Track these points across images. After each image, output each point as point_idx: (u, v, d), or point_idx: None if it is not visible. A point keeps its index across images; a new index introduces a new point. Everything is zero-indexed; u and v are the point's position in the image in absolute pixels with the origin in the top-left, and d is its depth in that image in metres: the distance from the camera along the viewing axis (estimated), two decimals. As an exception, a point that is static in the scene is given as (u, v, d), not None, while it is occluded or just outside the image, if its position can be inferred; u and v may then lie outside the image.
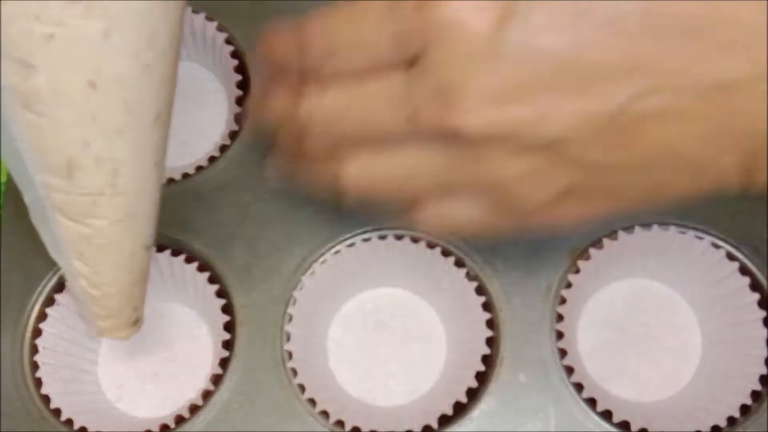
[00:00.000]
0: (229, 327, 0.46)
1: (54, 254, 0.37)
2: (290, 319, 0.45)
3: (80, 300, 0.39)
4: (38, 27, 0.27)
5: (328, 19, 0.32)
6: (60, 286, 0.47)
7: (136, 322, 0.41)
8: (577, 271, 0.46)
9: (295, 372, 0.44)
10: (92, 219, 0.33)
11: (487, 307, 0.45)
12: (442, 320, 0.49)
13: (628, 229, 0.46)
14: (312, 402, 0.44)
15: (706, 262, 0.46)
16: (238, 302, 0.46)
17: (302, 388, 0.44)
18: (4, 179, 0.51)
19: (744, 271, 0.45)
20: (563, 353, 0.44)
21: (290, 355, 0.45)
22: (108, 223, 0.34)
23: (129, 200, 0.34)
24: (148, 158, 0.34)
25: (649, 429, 0.42)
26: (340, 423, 0.43)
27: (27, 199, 0.35)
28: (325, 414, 0.43)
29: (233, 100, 0.51)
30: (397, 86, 0.31)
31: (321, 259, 0.46)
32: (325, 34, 0.32)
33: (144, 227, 0.36)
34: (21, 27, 0.27)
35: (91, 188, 0.32)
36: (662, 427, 0.43)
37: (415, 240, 0.46)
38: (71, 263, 0.36)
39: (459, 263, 0.46)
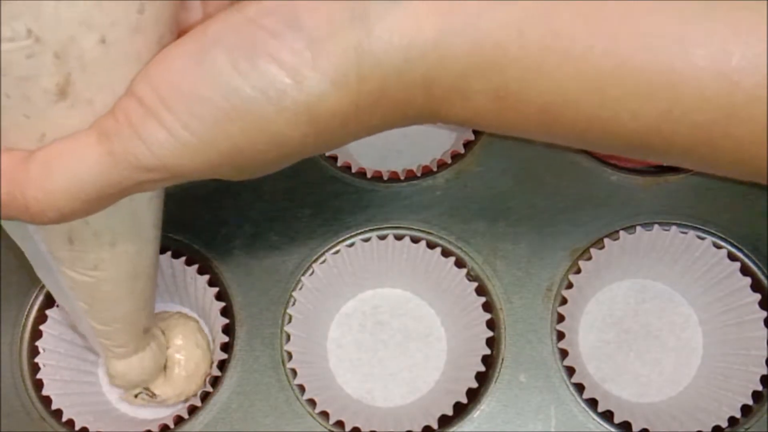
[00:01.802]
0: (227, 330, 0.46)
1: (58, 298, 0.38)
2: (290, 320, 0.45)
3: (87, 335, 0.40)
4: None
5: None
6: (59, 287, 0.47)
7: (140, 343, 0.41)
8: (578, 271, 0.46)
9: (294, 372, 0.44)
10: (95, 272, 0.33)
11: (487, 307, 0.45)
12: (442, 320, 0.48)
13: (629, 229, 0.46)
14: (312, 402, 0.44)
15: (707, 262, 0.46)
16: (237, 303, 0.46)
17: (302, 388, 0.44)
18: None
19: (745, 271, 0.45)
20: (564, 354, 0.44)
21: (290, 355, 0.45)
22: (111, 274, 0.34)
23: (130, 257, 0.34)
24: (146, 224, 0.34)
25: (651, 429, 0.42)
26: (340, 423, 0.43)
27: (28, 252, 0.35)
28: (324, 414, 0.43)
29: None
30: None
31: (321, 259, 0.46)
32: None
33: (147, 267, 0.36)
34: None
35: (91, 253, 0.33)
36: (663, 427, 0.43)
37: (415, 240, 0.46)
38: (76, 304, 0.36)
39: (459, 263, 0.46)
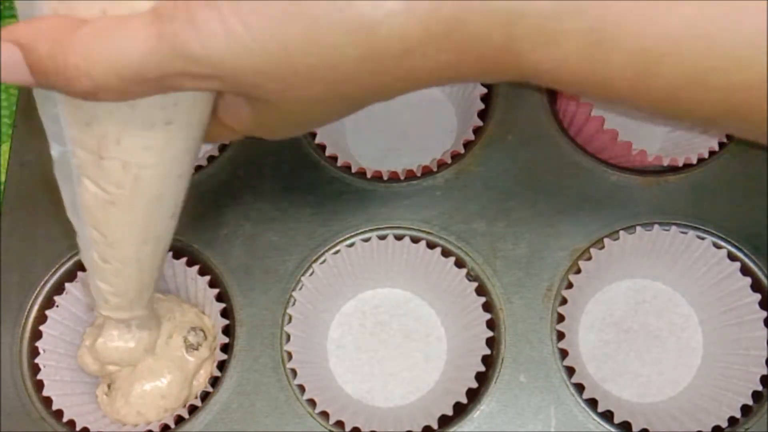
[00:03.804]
0: (227, 331, 0.46)
1: (71, 216, 0.36)
2: (290, 320, 0.45)
3: (89, 271, 0.39)
4: None
5: None
6: (60, 288, 0.47)
7: (137, 309, 0.40)
8: (578, 271, 0.46)
9: (294, 372, 0.44)
10: (115, 188, 0.33)
11: (487, 307, 0.45)
12: (442, 320, 0.48)
13: (629, 229, 0.46)
14: (312, 402, 0.44)
15: (707, 262, 0.46)
16: (237, 303, 0.46)
17: (302, 388, 0.44)
18: (3, 179, 0.51)
19: (745, 271, 0.45)
20: (564, 354, 0.44)
21: (290, 355, 0.45)
22: (128, 197, 0.33)
23: (151, 183, 0.33)
24: (177, 157, 0.33)
25: (651, 429, 0.42)
26: (339, 423, 0.43)
27: (54, 152, 0.33)
28: (324, 414, 0.43)
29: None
30: None
31: (321, 260, 0.46)
32: None
33: (167, 206, 0.35)
34: None
35: (115, 176, 0.32)
36: (663, 427, 0.43)
37: (415, 240, 0.46)
38: (86, 229, 0.35)
39: (459, 263, 0.46)
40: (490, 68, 0.25)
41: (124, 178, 0.32)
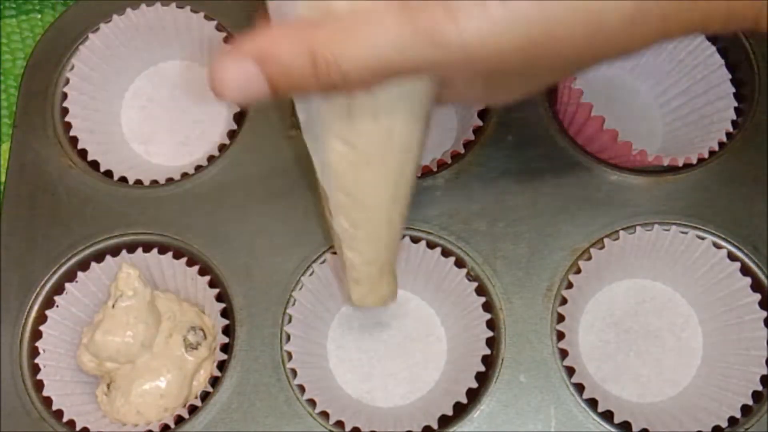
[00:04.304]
0: (227, 331, 0.46)
1: (323, 181, 0.35)
2: (290, 320, 0.45)
3: (340, 242, 0.38)
4: None
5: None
6: (60, 288, 0.47)
7: (385, 280, 0.40)
8: (578, 271, 0.46)
9: (294, 372, 0.44)
10: (366, 143, 0.32)
11: (487, 307, 0.45)
12: (442, 320, 0.48)
13: (629, 229, 0.46)
14: (312, 402, 0.44)
15: (707, 262, 0.46)
16: (237, 303, 0.46)
17: (302, 388, 0.44)
18: (3, 179, 0.51)
19: (745, 271, 0.45)
20: (564, 354, 0.44)
21: (290, 355, 0.45)
22: (382, 148, 0.32)
23: (398, 145, 0.32)
24: (422, 117, 0.32)
25: (651, 429, 0.42)
26: (340, 423, 0.43)
27: (301, 115, 0.33)
28: (325, 415, 0.43)
29: (233, 99, 0.51)
30: None
31: (321, 260, 0.46)
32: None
33: (414, 159, 0.34)
34: None
35: (366, 130, 0.31)
36: (663, 427, 0.43)
37: (415, 240, 0.46)
38: (336, 194, 0.34)
39: (459, 263, 0.46)
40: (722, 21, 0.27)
41: (375, 132, 0.31)
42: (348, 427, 0.43)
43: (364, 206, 0.35)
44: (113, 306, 0.44)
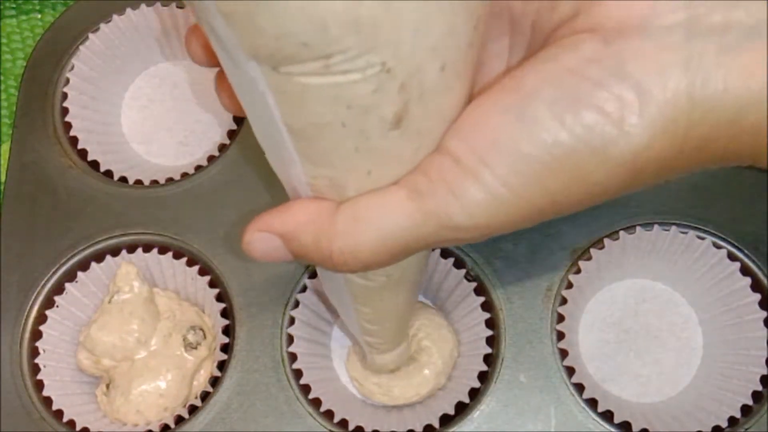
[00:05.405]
0: (227, 331, 0.46)
1: (331, 298, 0.38)
2: (292, 322, 0.45)
3: (356, 333, 0.40)
4: None
5: None
6: (60, 288, 0.47)
7: (402, 343, 0.42)
8: (578, 271, 0.46)
9: (300, 373, 0.44)
10: (382, 278, 0.33)
11: (487, 307, 0.45)
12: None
13: (629, 229, 0.46)
14: (317, 402, 0.44)
15: (707, 262, 0.46)
16: (237, 303, 0.46)
17: (307, 388, 0.44)
18: (3, 179, 0.51)
19: (745, 271, 0.45)
20: (564, 354, 0.44)
21: (294, 357, 0.45)
22: (395, 279, 0.33)
23: (412, 261, 0.33)
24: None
25: (650, 429, 0.42)
26: (343, 422, 0.43)
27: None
28: (329, 413, 0.43)
29: (233, 99, 0.51)
30: None
31: (321, 260, 0.46)
32: None
33: (421, 272, 0.35)
34: None
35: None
36: (663, 427, 0.43)
37: (415, 240, 0.46)
38: (357, 308, 0.36)
39: (459, 263, 0.46)
40: (734, 163, 0.26)
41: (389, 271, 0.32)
42: (351, 426, 0.43)
43: (380, 313, 0.36)
44: (109, 301, 0.44)
